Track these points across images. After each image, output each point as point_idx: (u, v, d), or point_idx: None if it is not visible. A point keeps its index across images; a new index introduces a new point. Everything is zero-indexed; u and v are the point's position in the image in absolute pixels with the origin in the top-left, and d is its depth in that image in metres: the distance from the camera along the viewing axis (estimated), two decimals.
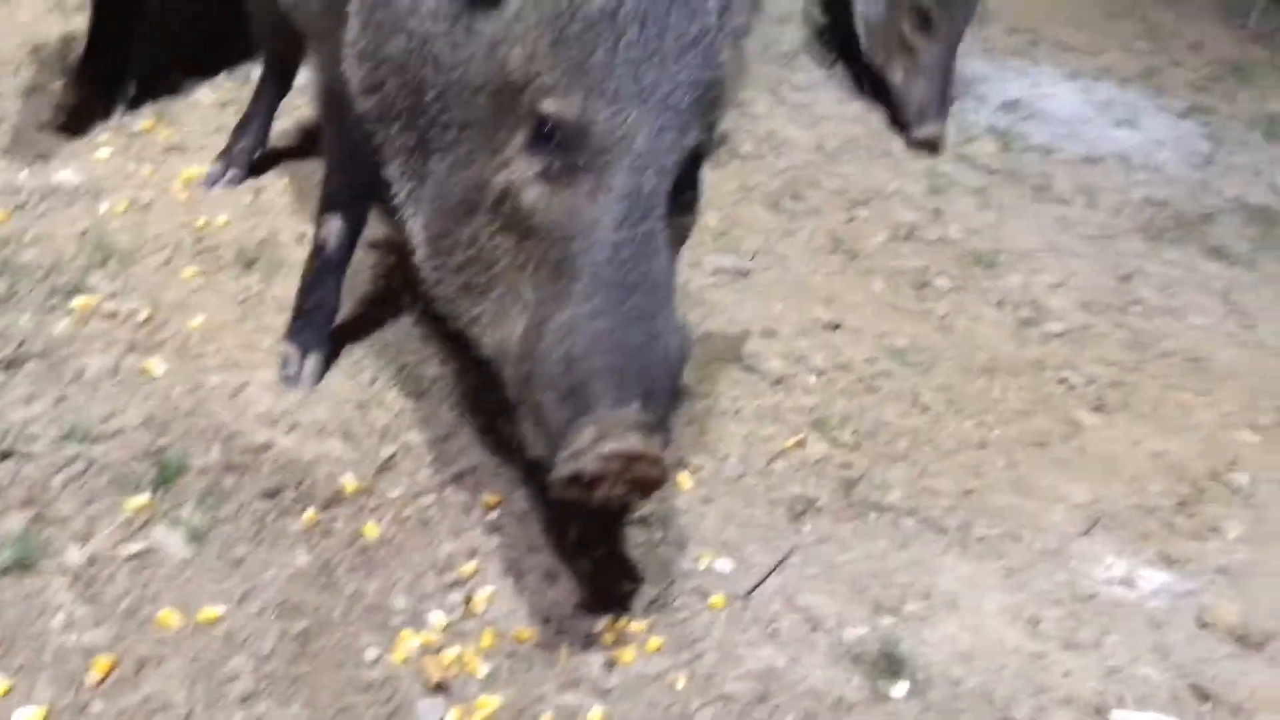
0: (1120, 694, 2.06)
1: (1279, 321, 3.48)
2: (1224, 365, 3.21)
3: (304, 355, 2.31)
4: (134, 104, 3.08)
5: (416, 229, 2.01)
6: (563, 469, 1.64)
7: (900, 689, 1.97)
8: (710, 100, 1.84)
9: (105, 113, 3.01)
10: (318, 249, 2.35)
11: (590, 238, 1.70)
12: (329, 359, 2.37)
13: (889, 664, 2.00)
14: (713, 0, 1.82)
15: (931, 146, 3.94)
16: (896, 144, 4.04)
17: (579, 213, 1.72)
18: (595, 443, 1.60)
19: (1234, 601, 2.31)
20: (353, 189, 2.30)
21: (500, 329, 1.82)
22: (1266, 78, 5.43)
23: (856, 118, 4.17)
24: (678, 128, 1.75)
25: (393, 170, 2.07)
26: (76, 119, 2.96)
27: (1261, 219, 4.10)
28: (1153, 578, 2.37)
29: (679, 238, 1.89)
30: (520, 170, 1.77)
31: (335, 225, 2.32)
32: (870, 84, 4.18)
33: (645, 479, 1.66)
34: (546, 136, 1.75)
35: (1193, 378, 3.12)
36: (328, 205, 2.34)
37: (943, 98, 3.94)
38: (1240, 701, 2.09)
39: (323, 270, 2.35)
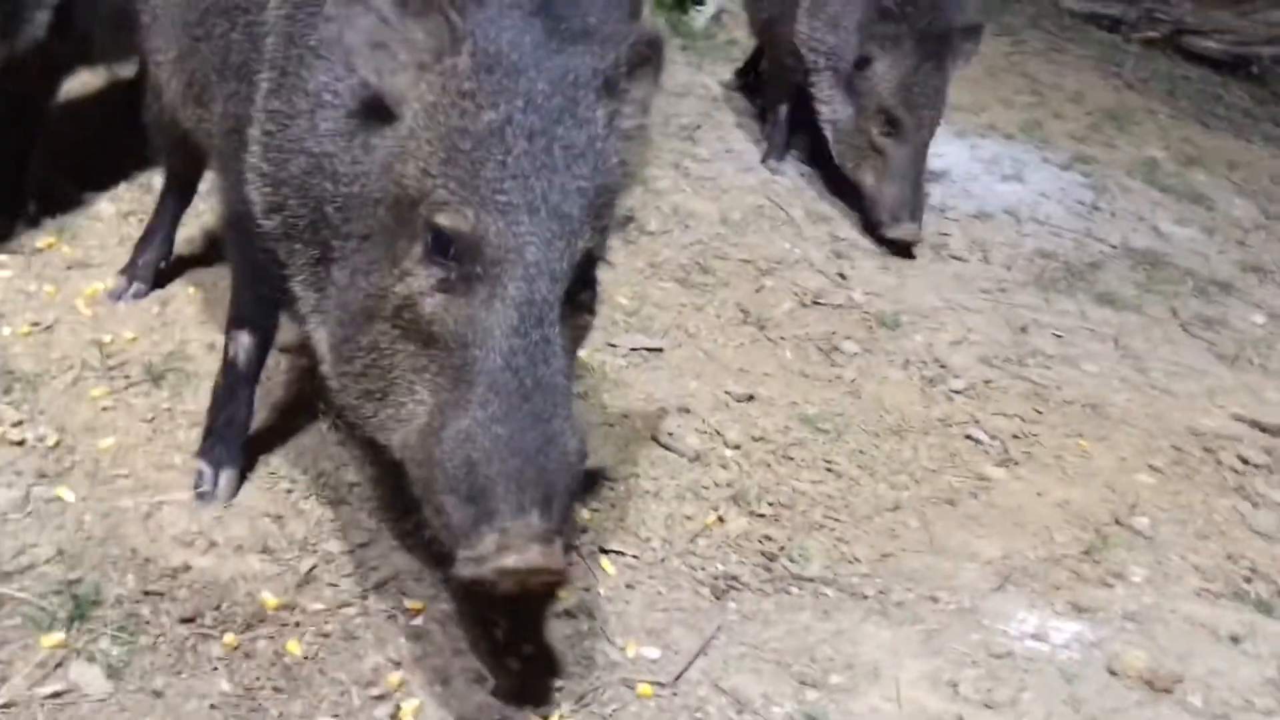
0: None
1: (1167, 363, 3.66)
2: (1119, 409, 3.35)
3: (217, 471, 2.30)
4: (33, 221, 3.06)
5: (321, 338, 2.06)
6: (463, 570, 1.71)
7: None
8: (601, 205, 1.90)
9: (4, 233, 2.98)
10: (228, 365, 2.35)
11: (487, 345, 1.76)
12: (244, 472, 2.36)
13: None
14: (600, 110, 1.89)
15: (905, 248, 4.00)
16: (799, 211, 4.18)
17: (475, 321, 1.77)
18: (496, 553, 1.66)
19: (1141, 647, 2.40)
20: (260, 304, 2.31)
21: (404, 433, 1.86)
22: (1143, 124, 5.73)
23: (758, 187, 4.29)
24: (569, 235, 1.81)
25: (297, 283, 2.11)
26: None
27: (1146, 263, 4.31)
28: (1064, 629, 2.45)
29: (578, 337, 1.95)
30: (418, 281, 1.82)
31: (244, 340, 2.33)
32: (835, 184, 4.27)
33: (544, 585, 1.76)
34: (442, 248, 1.80)
35: (1091, 424, 3.25)
36: (236, 321, 2.35)
37: (915, 198, 4.01)
38: None
39: (233, 385, 2.35)
